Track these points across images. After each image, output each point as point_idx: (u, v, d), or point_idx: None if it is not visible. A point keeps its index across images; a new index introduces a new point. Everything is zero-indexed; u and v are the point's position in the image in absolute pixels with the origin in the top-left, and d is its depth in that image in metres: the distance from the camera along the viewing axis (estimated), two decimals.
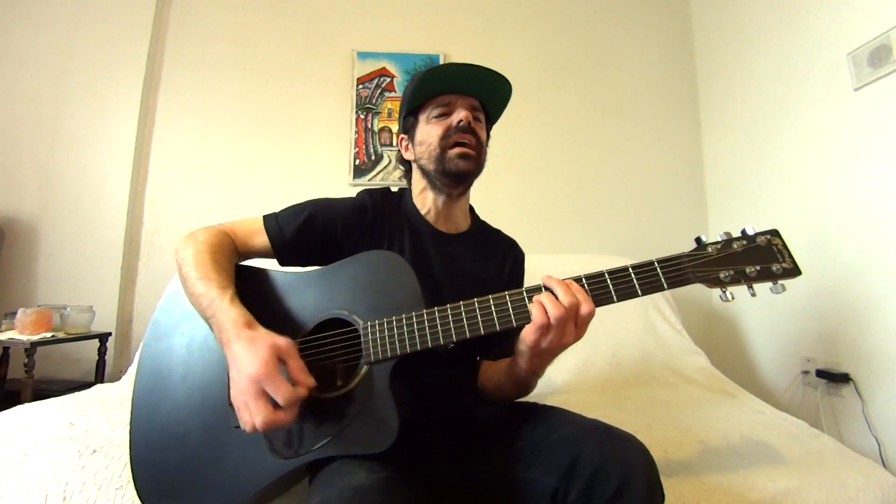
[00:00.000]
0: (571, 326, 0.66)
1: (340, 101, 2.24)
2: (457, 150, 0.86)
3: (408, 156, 0.95)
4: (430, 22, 2.33)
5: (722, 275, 0.66)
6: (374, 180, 2.18)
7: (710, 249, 0.67)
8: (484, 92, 0.91)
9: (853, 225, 1.48)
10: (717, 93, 2.23)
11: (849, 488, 0.84)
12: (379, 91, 2.25)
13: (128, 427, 0.77)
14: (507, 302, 0.69)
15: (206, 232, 0.82)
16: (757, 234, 0.67)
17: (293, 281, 0.81)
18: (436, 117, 0.89)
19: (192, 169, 2.17)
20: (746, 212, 2.00)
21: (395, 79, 2.26)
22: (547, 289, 0.68)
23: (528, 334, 0.68)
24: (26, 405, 1.16)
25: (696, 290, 0.68)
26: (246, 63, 2.24)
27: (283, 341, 0.66)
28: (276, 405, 0.62)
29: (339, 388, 0.71)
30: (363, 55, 2.26)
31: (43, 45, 2.15)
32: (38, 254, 2.05)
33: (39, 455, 0.87)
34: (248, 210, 0.92)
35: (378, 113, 2.24)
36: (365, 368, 0.71)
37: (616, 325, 1.72)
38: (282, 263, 0.88)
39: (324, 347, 0.74)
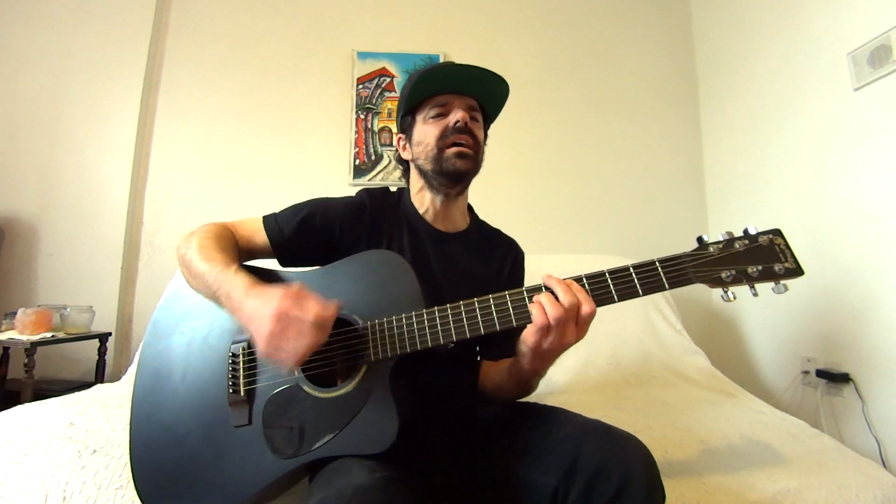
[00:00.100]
0: (572, 326, 0.66)
1: (340, 101, 2.24)
2: (454, 150, 0.86)
3: (405, 155, 0.96)
4: (430, 22, 2.33)
5: (724, 275, 0.66)
6: (374, 180, 2.18)
7: (711, 249, 0.67)
8: (481, 92, 0.91)
9: (853, 225, 1.48)
10: (717, 93, 2.23)
11: (849, 488, 0.84)
12: (379, 91, 2.25)
13: (128, 427, 0.77)
14: (507, 302, 0.69)
15: (207, 225, 0.83)
16: (759, 234, 0.67)
17: (293, 280, 0.81)
18: (433, 117, 0.89)
19: (192, 169, 2.17)
20: (746, 212, 2.00)
21: (395, 79, 2.26)
22: (547, 288, 0.68)
23: (528, 336, 0.68)
24: (26, 405, 1.16)
25: (697, 289, 0.68)
26: (246, 63, 2.23)
27: (293, 286, 0.67)
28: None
29: (339, 388, 0.71)
30: (363, 55, 2.26)
31: (43, 45, 2.15)
32: (38, 254, 2.05)
33: (39, 455, 0.87)
34: (248, 210, 0.92)
35: (378, 113, 2.24)
36: (365, 368, 0.71)
37: (616, 325, 1.72)
38: (282, 263, 0.89)
39: (324, 347, 0.74)
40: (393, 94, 2.25)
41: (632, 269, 0.67)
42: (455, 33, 2.33)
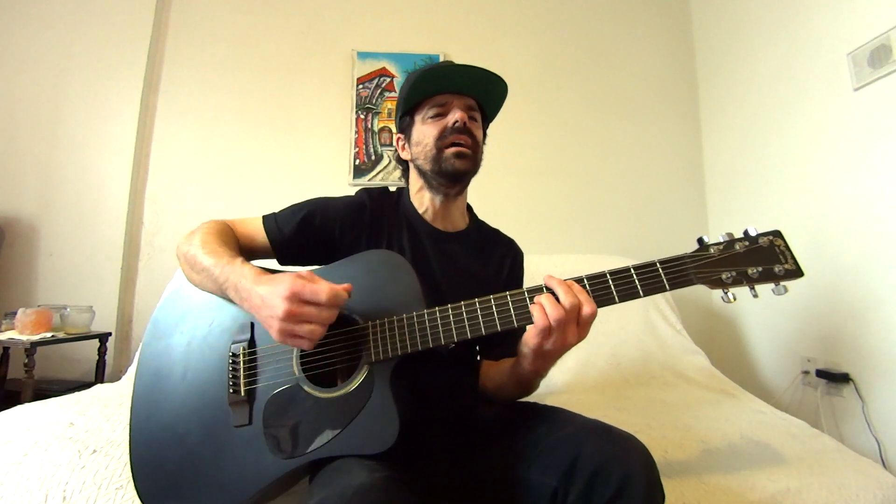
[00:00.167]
0: (574, 327, 0.66)
1: (340, 101, 2.24)
2: (453, 150, 0.86)
3: (405, 155, 0.96)
4: (430, 22, 2.33)
5: (724, 276, 0.66)
6: (374, 180, 2.18)
7: (712, 250, 0.67)
8: (480, 91, 0.91)
9: (853, 225, 1.48)
10: (717, 93, 2.23)
11: (849, 488, 0.84)
12: (379, 91, 2.25)
13: (128, 427, 0.77)
14: (508, 302, 0.69)
15: (208, 222, 0.84)
16: (759, 235, 0.67)
17: None
18: (431, 118, 0.89)
19: (192, 169, 2.17)
20: (746, 212, 2.00)
21: (395, 79, 2.26)
22: (548, 289, 0.68)
23: (530, 337, 0.68)
24: (26, 405, 1.16)
25: (697, 290, 0.68)
26: (246, 63, 2.23)
27: (302, 272, 0.67)
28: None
29: (339, 388, 0.71)
30: (363, 55, 2.26)
31: (43, 45, 2.15)
32: (38, 254, 2.05)
33: (39, 455, 0.87)
34: (248, 210, 0.92)
35: (378, 113, 2.24)
36: (366, 368, 0.71)
37: (616, 325, 1.72)
38: (281, 263, 0.89)
39: (324, 347, 0.74)
40: (393, 94, 2.25)
41: (633, 270, 0.67)
42: (455, 33, 2.33)
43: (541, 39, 2.36)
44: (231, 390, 0.74)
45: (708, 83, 2.31)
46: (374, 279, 0.77)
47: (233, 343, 0.77)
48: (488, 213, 1.06)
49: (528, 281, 0.78)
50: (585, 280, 0.68)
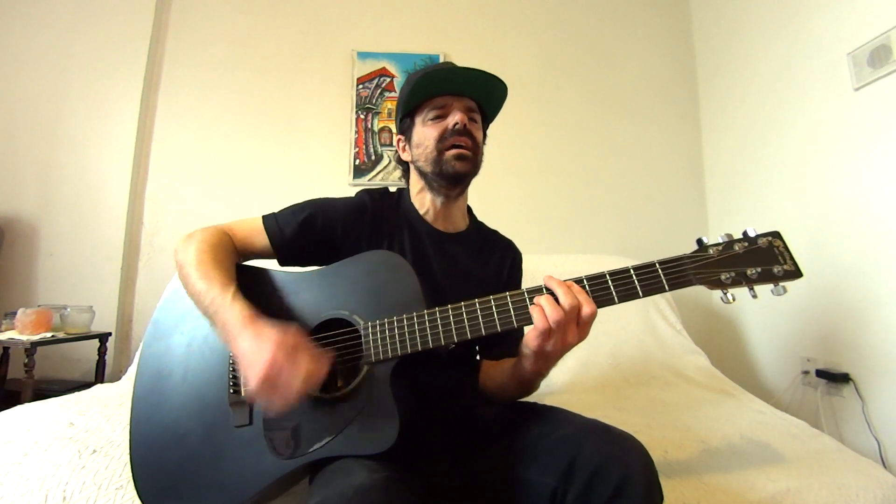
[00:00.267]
0: (574, 328, 0.66)
1: (340, 101, 2.24)
2: (453, 152, 0.86)
3: (405, 157, 0.96)
4: (430, 22, 2.33)
5: (723, 276, 0.66)
6: (374, 180, 2.18)
7: (711, 251, 0.68)
8: (479, 93, 0.91)
9: (853, 225, 1.48)
10: (717, 93, 2.23)
11: (849, 488, 0.84)
12: (379, 91, 2.25)
13: (128, 427, 0.77)
14: (507, 303, 0.69)
15: (205, 232, 0.82)
16: (758, 236, 0.67)
17: (294, 281, 0.81)
18: (432, 119, 0.89)
19: (192, 169, 2.17)
20: (746, 212, 2.00)
21: (395, 79, 2.26)
22: (548, 290, 0.68)
23: (531, 339, 0.68)
24: (26, 405, 1.16)
25: (697, 290, 0.68)
26: (246, 63, 2.23)
27: (289, 335, 0.66)
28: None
29: (339, 389, 0.71)
30: (363, 55, 2.26)
31: (43, 45, 2.15)
32: (38, 254, 2.05)
33: (39, 455, 0.87)
34: (248, 210, 0.92)
35: (378, 113, 2.24)
36: (366, 369, 0.71)
37: (616, 325, 1.72)
38: (281, 263, 0.88)
39: (325, 348, 0.74)
40: (393, 94, 2.25)
41: (632, 271, 0.67)
42: (455, 33, 2.32)
43: (541, 39, 2.35)
44: (231, 390, 0.74)
45: (708, 83, 2.31)
46: (374, 280, 0.77)
47: None
48: (488, 213, 1.06)
49: (528, 281, 0.78)
50: (585, 281, 0.68)
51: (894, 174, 1.35)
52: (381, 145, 2.22)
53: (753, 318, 1.97)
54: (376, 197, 0.93)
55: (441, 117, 0.88)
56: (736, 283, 0.66)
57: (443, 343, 0.69)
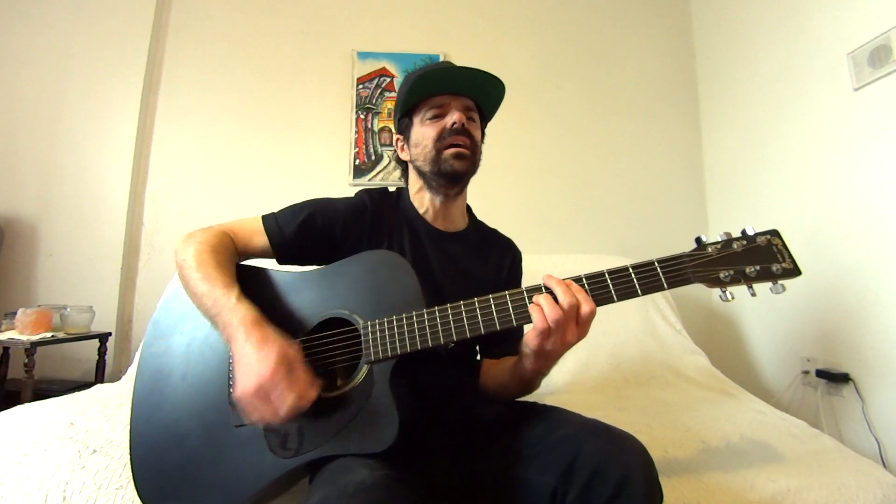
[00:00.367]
0: (573, 326, 0.67)
1: (340, 101, 2.24)
2: (452, 151, 0.86)
3: (404, 156, 0.96)
4: (430, 22, 2.33)
5: (722, 275, 0.66)
6: (374, 180, 2.18)
7: (710, 249, 0.68)
8: (477, 92, 0.91)
9: (853, 225, 1.48)
10: (717, 93, 2.23)
11: (849, 488, 0.84)
12: (379, 91, 2.25)
13: (128, 427, 0.77)
14: (507, 301, 0.69)
15: (205, 232, 0.82)
16: (757, 235, 0.67)
17: (294, 280, 0.82)
18: (430, 119, 0.89)
19: (192, 169, 2.17)
20: (746, 212, 2.00)
21: (395, 79, 2.26)
22: (547, 289, 0.68)
23: (530, 339, 0.68)
24: (26, 405, 1.16)
25: (696, 290, 0.68)
26: (246, 63, 2.24)
27: (292, 349, 0.67)
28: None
29: (339, 388, 0.71)
30: (363, 55, 2.26)
31: (43, 45, 2.15)
32: (38, 254, 2.05)
33: (39, 455, 0.87)
34: (248, 210, 0.92)
35: (378, 113, 2.24)
36: (365, 368, 0.71)
37: (616, 325, 1.72)
38: (281, 263, 0.88)
39: (324, 347, 0.74)
40: (393, 94, 2.25)
41: (631, 269, 0.67)
42: (455, 33, 2.33)
43: (541, 39, 2.36)
44: (231, 390, 0.74)
45: (708, 83, 2.31)
46: (374, 279, 0.77)
47: None
48: (488, 213, 1.06)
49: (528, 282, 0.78)
50: (584, 279, 0.68)
51: (894, 174, 1.35)
52: (382, 145, 2.22)
53: (753, 318, 1.97)
54: (376, 197, 0.93)
55: (439, 117, 0.88)
56: (735, 281, 0.66)
57: (442, 342, 0.69)
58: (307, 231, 0.86)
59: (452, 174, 0.87)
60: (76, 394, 1.30)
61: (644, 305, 1.81)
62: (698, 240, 0.69)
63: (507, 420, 0.79)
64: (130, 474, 0.74)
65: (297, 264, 0.89)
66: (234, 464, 0.70)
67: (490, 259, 0.96)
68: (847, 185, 1.51)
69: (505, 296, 0.70)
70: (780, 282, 0.65)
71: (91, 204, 2.08)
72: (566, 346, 0.68)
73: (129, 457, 0.75)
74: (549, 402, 0.84)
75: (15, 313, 1.70)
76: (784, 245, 0.66)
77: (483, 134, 0.96)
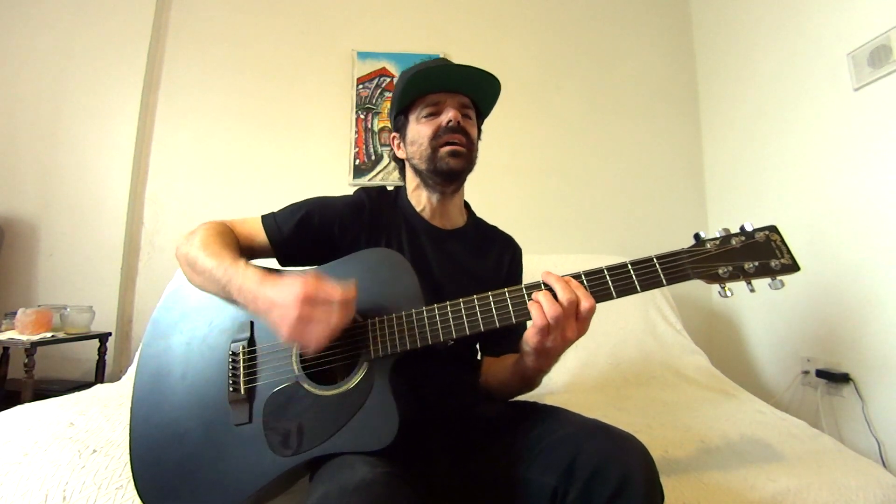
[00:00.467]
0: (573, 323, 0.67)
1: (340, 101, 2.24)
2: (447, 149, 0.86)
3: (400, 154, 0.96)
4: (430, 22, 2.33)
5: (720, 270, 0.66)
6: (374, 180, 2.18)
7: (708, 245, 0.68)
8: (473, 89, 0.91)
9: (853, 224, 1.48)
10: (717, 93, 2.23)
11: (849, 488, 0.83)
12: (379, 91, 2.25)
13: (128, 427, 0.77)
14: (506, 299, 0.70)
15: (208, 224, 0.83)
16: (755, 230, 0.67)
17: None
18: (425, 117, 0.89)
19: (192, 169, 2.17)
20: (746, 212, 2.00)
21: (394, 79, 2.26)
22: (546, 286, 0.68)
23: (530, 336, 0.68)
24: (26, 405, 1.16)
25: (697, 290, 0.68)
26: (246, 63, 2.24)
27: (309, 275, 0.67)
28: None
29: (339, 386, 0.71)
30: (363, 55, 2.26)
31: (43, 45, 2.15)
32: (38, 254, 2.05)
33: (39, 455, 0.87)
34: (248, 210, 0.93)
35: (378, 113, 2.24)
36: (365, 366, 0.71)
37: (616, 324, 1.72)
38: (281, 263, 0.89)
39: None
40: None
41: (630, 266, 0.68)
42: (455, 33, 2.33)
43: (541, 39, 2.36)
44: (231, 389, 0.74)
45: (708, 83, 2.31)
46: (373, 277, 0.77)
47: (232, 342, 0.77)
48: (488, 213, 1.06)
49: (528, 280, 0.78)
50: (583, 276, 0.69)
51: (894, 174, 1.35)
52: (382, 145, 2.22)
53: (753, 318, 1.97)
54: (374, 195, 0.93)
55: (435, 114, 0.88)
56: (733, 277, 0.66)
57: (442, 340, 0.69)
58: (305, 229, 0.86)
59: (448, 172, 0.87)
60: (76, 394, 1.30)
61: (644, 305, 1.81)
62: (697, 236, 0.69)
63: (507, 419, 0.79)
64: (130, 474, 0.74)
65: (297, 264, 0.89)
66: (234, 463, 0.70)
67: (489, 256, 0.96)
68: (847, 185, 1.51)
69: (504, 293, 0.70)
70: (778, 277, 0.65)
71: (91, 204, 2.08)
72: (566, 343, 0.68)
73: (129, 456, 0.75)
74: (548, 402, 0.84)
75: (15, 313, 1.70)
76: (783, 241, 0.66)
77: (479, 131, 0.96)
